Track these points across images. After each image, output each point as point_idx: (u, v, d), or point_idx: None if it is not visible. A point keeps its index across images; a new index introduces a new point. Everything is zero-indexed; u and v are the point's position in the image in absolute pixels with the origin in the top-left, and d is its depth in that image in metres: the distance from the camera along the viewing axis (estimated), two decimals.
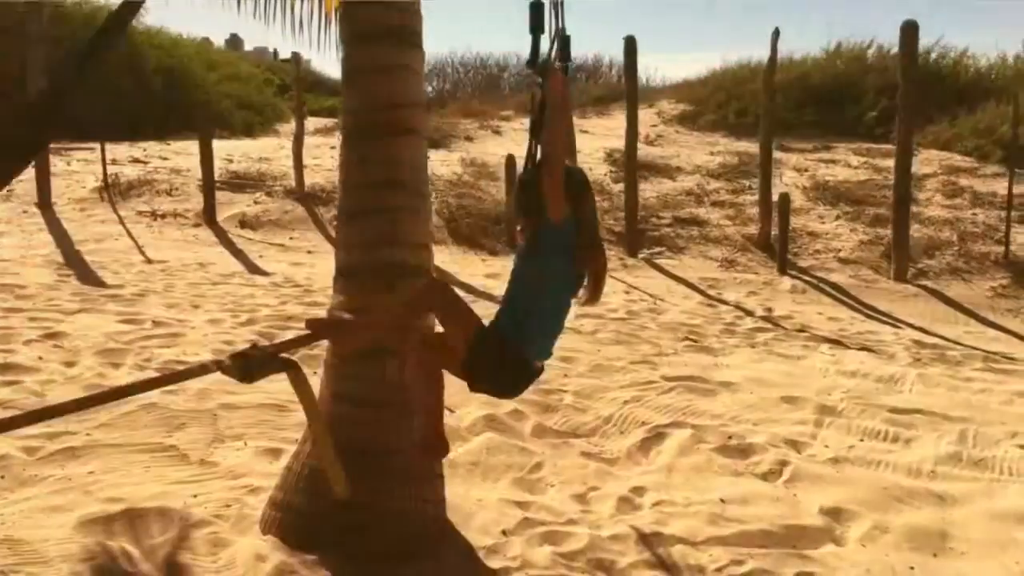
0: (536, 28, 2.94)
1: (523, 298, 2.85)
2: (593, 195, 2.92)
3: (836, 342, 8.01)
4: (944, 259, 11.44)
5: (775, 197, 11.58)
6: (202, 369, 2.84)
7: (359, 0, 3.72)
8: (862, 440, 5.23)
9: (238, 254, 10.59)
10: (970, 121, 17.27)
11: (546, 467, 4.66)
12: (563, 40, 3.10)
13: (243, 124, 22.83)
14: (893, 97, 19.34)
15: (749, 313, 9.13)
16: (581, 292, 2.90)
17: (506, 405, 5.37)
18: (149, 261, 9.78)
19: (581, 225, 2.81)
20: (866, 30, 53.01)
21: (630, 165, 12.03)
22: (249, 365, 2.87)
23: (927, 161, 15.88)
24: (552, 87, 2.81)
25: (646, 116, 18.94)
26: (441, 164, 14.60)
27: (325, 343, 3.96)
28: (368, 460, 3.56)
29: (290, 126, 21.57)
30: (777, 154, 15.78)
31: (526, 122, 18.31)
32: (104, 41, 2.99)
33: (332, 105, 29.45)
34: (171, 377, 2.71)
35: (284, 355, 3.04)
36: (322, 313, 7.29)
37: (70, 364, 5.69)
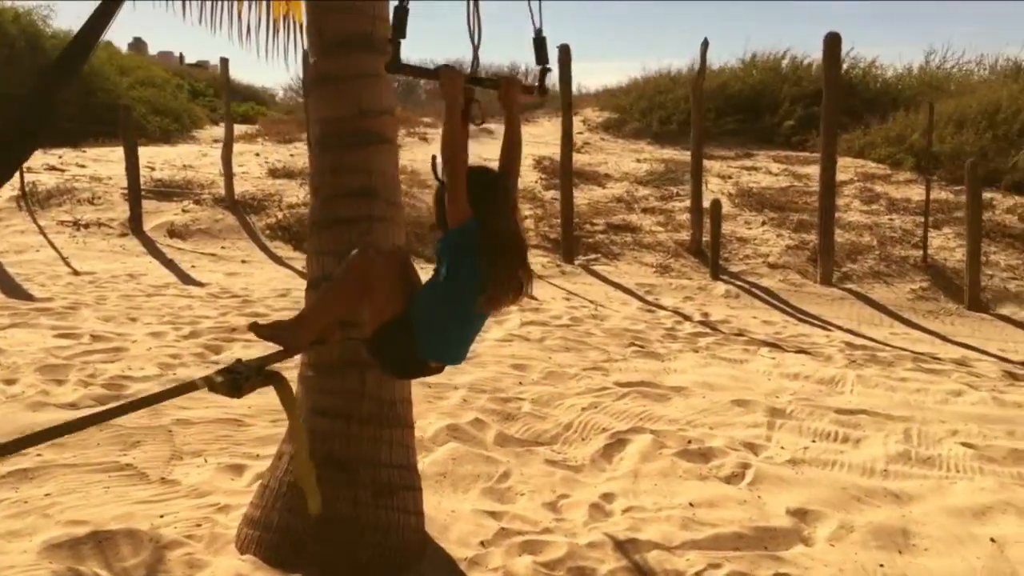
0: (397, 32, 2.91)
1: (431, 307, 2.79)
2: (503, 195, 2.81)
3: (774, 345, 8.21)
4: (866, 263, 11.84)
5: (705, 203, 11.87)
6: (190, 386, 2.77)
7: (328, 7, 3.67)
8: (814, 441, 5.37)
9: (169, 264, 10.32)
10: (882, 130, 17.92)
11: (513, 476, 4.66)
12: (539, 42, 3.14)
13: (159, 130, 22.24)
14: (808, 106, 20.18)
15: (687, 318, 9.29)
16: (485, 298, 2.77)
17: (467, 415, 5.37)
18: (76, 273, 9.45)
19: (484, 225, 2.71)
20: (780, 42, 54.48)
21: (565, 172, 12.13)
22: (237, 380, 2.82)
23: (843, 168, 16.36)
24: (444, 89, 2.77)
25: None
26: None
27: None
28: (347, 474, 3.51)
29: (208, 132, 21.19)
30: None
31: None
32: (97, 27, 2.87)
33: (246, 111, 28.92)
34: (160, 395, 2.63)
35: (269, 368, 3.00)
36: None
37: (10, 382, 5.46)
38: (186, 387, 2.75)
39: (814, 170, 16.76)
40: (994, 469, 5.01)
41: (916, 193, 15.05)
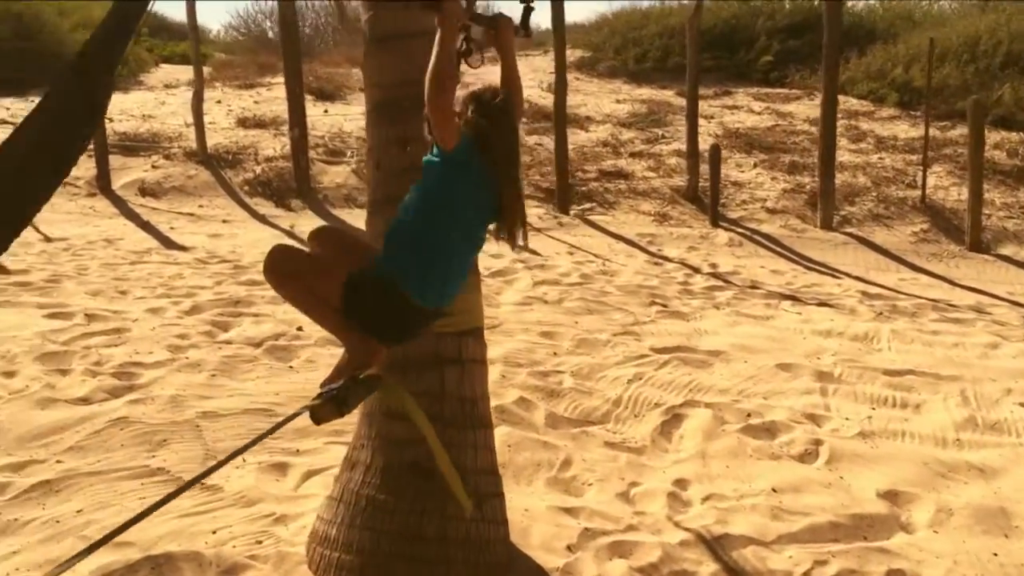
0: None
1: (407, 233, 2.65)
2: (509, 121, 2.76)
3: (793, 298, 7.96)
4: (865, 206, 11.62)
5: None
6: (292, 418, 2.40)
7: None
8: (874, 408, 5.12)
9: (146, 227, 9.73)
10: (862, 64, 17.59)
11: (575, 462, 4.35)
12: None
13: None
14: (784, 41, 19.82)
15: (696, 270, 9.00)
16: (493, 229, 2.77)
17: (510, 393, 5.03)
18: (48, 239, 8.85)
19: (489, 142, 2.67)
20: None
21: (559, 116, 11.63)
22: (341, 401, 2.48)
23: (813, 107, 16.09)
24: (444, 19, 2.64)
25: (543, 63, 18.55)
26: (346, 120, 13.86)
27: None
28: (434, 484, 3.15)
29: (155, 75, 20.12)
30: (679, 101, 15.72)
31: None
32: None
33: (184, 51, 27.29)
34: (271, 431, 2.24)
35: (363, 374, 2.68)
36: (260, 294, 6.72)
37: (9, 374, 4.98)
38: (287, 420, 2.37)
39: (796, 107, 16.51)
40: None
41: (901, 130, 14.84)
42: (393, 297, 2.58)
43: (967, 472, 4.31)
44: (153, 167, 11.58)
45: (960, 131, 14.08)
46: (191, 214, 10.42)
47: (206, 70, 20.29)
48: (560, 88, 11.65)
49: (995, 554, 3.57)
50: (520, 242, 2.78)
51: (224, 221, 10.08)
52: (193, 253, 8.50)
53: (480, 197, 2.69)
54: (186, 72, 20.25)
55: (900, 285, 9.04)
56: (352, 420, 4.62)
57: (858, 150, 13.81)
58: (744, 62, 19.14)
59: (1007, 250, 10.69)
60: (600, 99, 16.76)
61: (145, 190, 10.93)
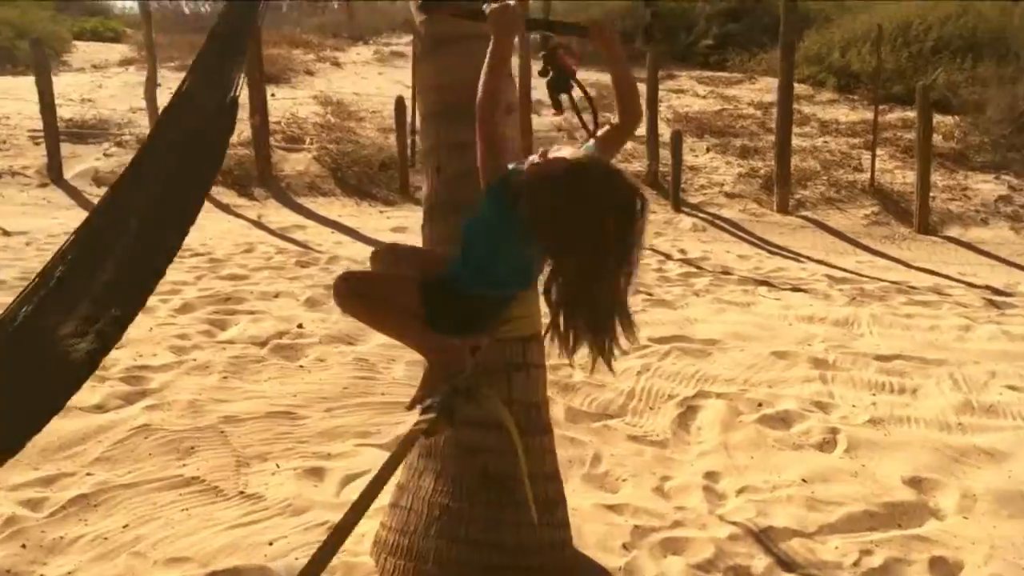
0: None
1: (473, 250, 2.42)
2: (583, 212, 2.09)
3: (766, 283, 8.16)
4: (817, 189, 11.93)
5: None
6: (411, 442, 2.38)
7: None
8: (875, 395, 5.31)
9: None
10: (800, 49, 17.94)
11: (605, 458, 4.41)
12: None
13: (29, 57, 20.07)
14: (724, 24, 20.13)
15: (668, 256, 9.14)
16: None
17: None
18: (7, 233, 8.52)
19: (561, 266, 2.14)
20: None
21: (523, 101, 11.59)
22: (449, 412, 2.47)
23: (768, 89, 16.39)
24: (497, 31, 2.29)
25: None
26: (295, 104, 13.61)
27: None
28: (507, 492, 3.17)
29: (78, 55, 19.31)
30: None
31: (363, 52, 17.32)
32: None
33: (95, 26, 25.98)
34: (393, 460, 2.22)
35: (459, 384, 2.66)
36: (247, 289, 6.61)
37: None
38: (408, 443, 2.35)
39: (740, 91, 16.80)
40: None
41: (842, 114, 15.23)
42: (463, 292, 2.49)
43: (977, 456, 4.51)
44: (105, 155, 11.21)
45: (898, 115, 14.53)
46: None
47: (129, 49, 19.58)
48: (522, 74, 11.63)
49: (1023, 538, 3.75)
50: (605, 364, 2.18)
51: None
52: None
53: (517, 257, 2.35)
54: (106, 51, 19.52)
55: (860, 268, 9.34)
56: (382, 422, 4.63)
57: (803, 134, 14.12)
58: (684, 45, 19.37)
59: (953, 231, 11.11)
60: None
61: (100, 179, 10.57)
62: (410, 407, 2.82)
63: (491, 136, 2.26)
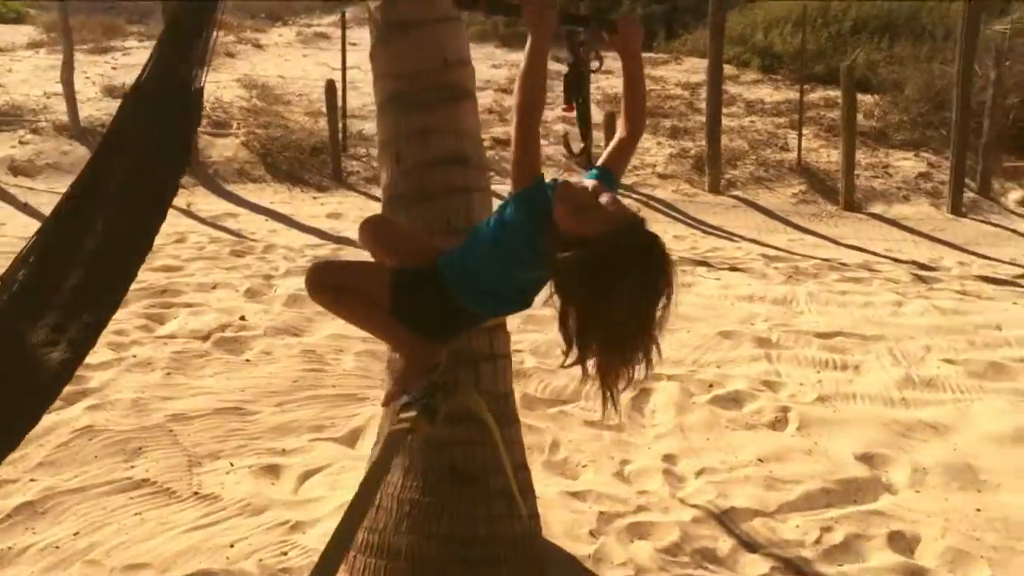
0: None
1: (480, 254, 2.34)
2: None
3: (703, 263, 8.25)
4: (746, 169, 12.10)
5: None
6: (395, 446, 2.32)
7: None
8: (819, 372, 5.41)
9: (26, 209, 9.04)
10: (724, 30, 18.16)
11: (563, 444, 4.42)
12: None
13: None
14: (648, 5, 20.25)
15: None
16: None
17: None
18: None
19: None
20: None
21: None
22: (433, 410, 2.42)
23: (694, 70, 16.58)
24: (532, 27, 2.23)
25: None
26: (218, 87, 13.23)
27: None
28: (478, 485, 3.14)
29: None
30: (556, 66, 15.77)
31: (285, 33, 16.83)
32: None
33: None
34: (386, 459, 2.16)
35: (433, 381, 2.60)
36: (183, 281, 6.41)
37: None
38: (394, 444, 2.29)
39: (667, 72, 16.91)
40: (993, 387, 5.21)
41: (766, 94, 15.47)
42: (440, 292, 2.39)
43: (923, 430, 4.63)
44: (21, 143, 10.72)
45: (821, 94, 14.82)
46: None
47: (36, 31, 18.73)
48: None
49: (978, 509, 3.86)
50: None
51: None
52: None
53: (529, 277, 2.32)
54: (11, 33, 18.63)
55: (792, 246, 9.51)
56: (335, 415, 4.54)
57: (730, 114, 14.29)
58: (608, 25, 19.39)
59: (877, 208, 11.40)
60: (476, 65, 16.60)
61: (16, 168, 10.12)
62: (385, 403, 2.76)
63: (527, 139, 2.18)
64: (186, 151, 2.19)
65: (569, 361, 2.12)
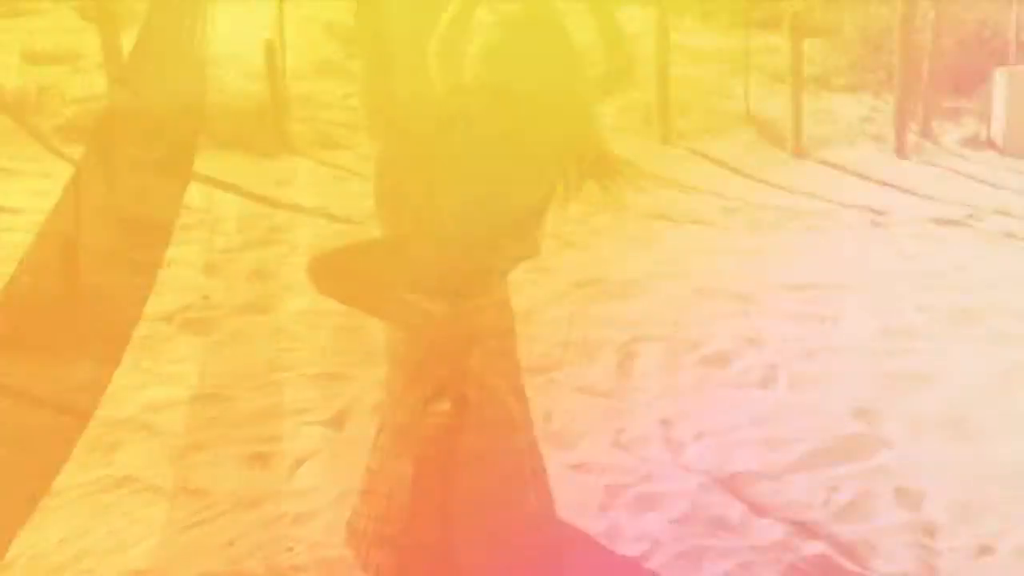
0: None
1: None
2: None
3: (664, 217, 8.19)
4: (695, 119, 12.04)
5: None
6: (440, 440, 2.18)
7: None
8: (799, 326, 5.39)
9: None
10: None
11: (556, 414, 4.32)
12: None
13: None
14: None
15: None
16: None
17: None
18: None
19: None
20: None
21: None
22: (462, 403, 2.30)
23: (635, 18, 16.38)
24: None
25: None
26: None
27: None
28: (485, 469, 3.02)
29: None
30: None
31: None
32: None
33: None
34: (431, 461, 2.03)
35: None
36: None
37: None
38: (433, 444, 2.16)
39: None
40: (965, 333, 5.25)
41: (703, 42, 15.40)
42: None
43: (909, 380, 4.63)
44: None
45: (761, 40, 14.79)
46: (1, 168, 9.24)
47: None
48: None
49: (976, 460, 3.88)
50: None
51: (45, 176, 9.00)
52: (28, 216, 7.55)
53: None
54: None
55: (747, 196, 9.50)
56: (318, 396, 4.38)
57: (672, 63, 14.19)
58: None
59: (825, 154, 11.44)
60: None
61: None
62: (407, 396, 2.62)
63: None
64: None
65: None
